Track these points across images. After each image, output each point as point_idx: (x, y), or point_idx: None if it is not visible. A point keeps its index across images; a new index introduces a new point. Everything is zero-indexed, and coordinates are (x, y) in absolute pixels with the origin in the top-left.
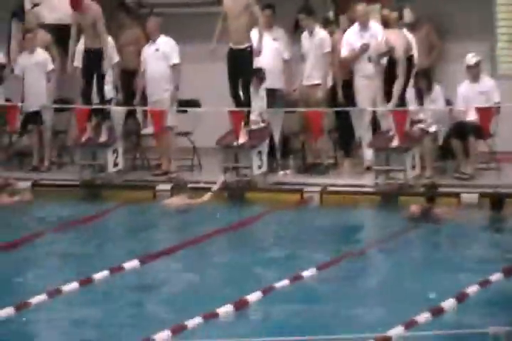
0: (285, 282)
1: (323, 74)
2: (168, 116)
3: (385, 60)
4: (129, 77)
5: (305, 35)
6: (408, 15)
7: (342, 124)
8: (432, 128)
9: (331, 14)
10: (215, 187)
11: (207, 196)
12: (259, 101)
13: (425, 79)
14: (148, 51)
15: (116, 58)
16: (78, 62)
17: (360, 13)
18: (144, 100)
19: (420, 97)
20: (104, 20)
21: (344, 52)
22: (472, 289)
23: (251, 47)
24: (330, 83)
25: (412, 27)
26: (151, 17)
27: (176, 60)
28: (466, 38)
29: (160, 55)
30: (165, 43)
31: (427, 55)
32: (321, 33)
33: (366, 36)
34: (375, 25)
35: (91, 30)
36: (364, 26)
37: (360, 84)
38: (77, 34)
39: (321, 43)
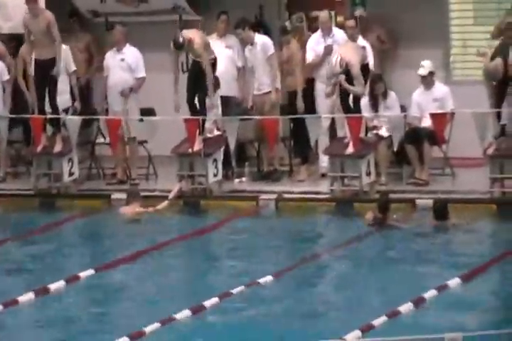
0: (241, 288)
1: (271, 79)
2: (130, 127)
3: (342, 77)
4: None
5: (248, 47)
6: (359, 14)
7: (298, 131)
8: (386, 133)
9: (287, 24)
10: (171, 196)
11: (163, 204)
12: (213, 109)
13: (381, 86)
14: (113, 60)
15: (73, 67)
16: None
17: (323, 20)
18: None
19: (375, 104)
20: (57, 26)
21: (309, 58)
22: (429, 294)
23: (214, 59)
24: (278, 86)
25: (363, 28)
26: (116, 26)
27: (142, 73)
28: (420, 45)
29: (125, 65)
30: (131, 54)
31: (378, 59)
32: (260, 38)
33: (329, 42)
34: (338, 32)
35: (42, 37)
36: (327, 32)
37: (320, 89)
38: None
39: (263, 48)
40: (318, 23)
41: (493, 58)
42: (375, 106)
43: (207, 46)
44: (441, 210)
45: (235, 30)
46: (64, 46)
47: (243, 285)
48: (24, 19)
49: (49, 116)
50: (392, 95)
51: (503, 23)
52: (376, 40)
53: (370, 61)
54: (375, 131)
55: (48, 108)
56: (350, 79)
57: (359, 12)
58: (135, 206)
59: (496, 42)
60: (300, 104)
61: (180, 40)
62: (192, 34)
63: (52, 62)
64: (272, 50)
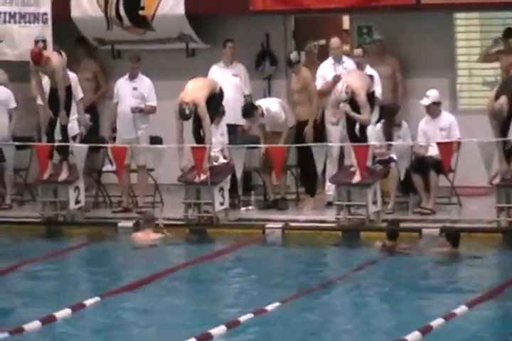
0: (249, 316)
1: (283, 129)
2: (140, 155)
3: (346, 105)
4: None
5: (260, 119)
6: (378, 37)
7: (305, 160)
8: (394, 157)
9: (292, 56)
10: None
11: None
12: (220, 137)
13: (399, 116)
14: (125, 88)
15: (80, 94)
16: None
17: (334, 46)
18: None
19: (390, 133)
20: (62, 72)
21: (318, 84)
22: (436, 322)
23: (221, 89)
24: (292, 124)
25: (380, 52)
26: (134, 56)
27: (154, 102)
28: (427, 74)
29: (138, 94)
30: (144, 84)
31: (392, 92)
32: (271, 110)
33: (340, 69)
34: (347, 60)
35: (53, 74)
36: (338, 59)
37: (331, 117)
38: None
39: (273, 119)
40: (325, 51)
41: (498, 96)
42: (389, 135)
43: (212, 93)
44: (455, 236)
45: (245, 119)
46: (72, 74)
47: (249, 313)
48: (31, 64)
49: (57, 143)
50: (404, 125)
51: (491, 50)
52: (391, 76)
53: (377, 90)
54: (387, 156)
55: (57, 136)
56: (356, 107)
57: (377, 36)
58: (148, 232)
59: (499, 72)
60: (310, 133)
61: (187, 112)
62: (195, 94)
63: (67, 89)
64: (282, 119)
